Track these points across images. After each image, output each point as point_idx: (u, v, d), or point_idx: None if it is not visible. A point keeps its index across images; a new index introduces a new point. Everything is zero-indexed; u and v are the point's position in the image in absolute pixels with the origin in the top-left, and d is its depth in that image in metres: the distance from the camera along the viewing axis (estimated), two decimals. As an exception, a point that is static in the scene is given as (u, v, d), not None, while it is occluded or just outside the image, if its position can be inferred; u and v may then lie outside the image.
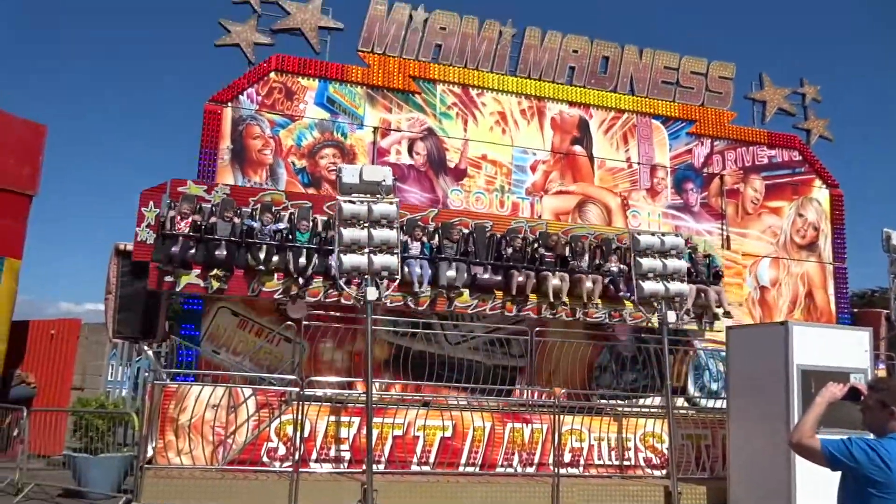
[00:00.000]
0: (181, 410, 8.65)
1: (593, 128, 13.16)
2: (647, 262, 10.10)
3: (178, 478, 8.23)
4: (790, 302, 13.64)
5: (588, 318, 10.93)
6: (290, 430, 8.72)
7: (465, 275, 10.36)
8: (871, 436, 3.24)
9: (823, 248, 14.13)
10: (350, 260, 8.61)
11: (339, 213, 8.77)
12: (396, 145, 12.02)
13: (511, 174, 12.50)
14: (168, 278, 9.44)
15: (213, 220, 9.74)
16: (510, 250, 10.66)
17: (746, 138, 14.06)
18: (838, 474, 3.23)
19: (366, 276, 8.66)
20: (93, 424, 9.47)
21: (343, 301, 9.87)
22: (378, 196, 8.94)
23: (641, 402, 11.08)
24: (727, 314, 11.46)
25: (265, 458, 8.79)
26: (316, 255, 9.86)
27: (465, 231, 10.64)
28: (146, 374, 12.26)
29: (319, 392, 9.47)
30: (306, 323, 10.02)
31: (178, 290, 9.64)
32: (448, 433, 9.39)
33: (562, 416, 9.62)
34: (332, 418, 9.09)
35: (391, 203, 8.95)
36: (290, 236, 9.89)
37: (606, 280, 10.90)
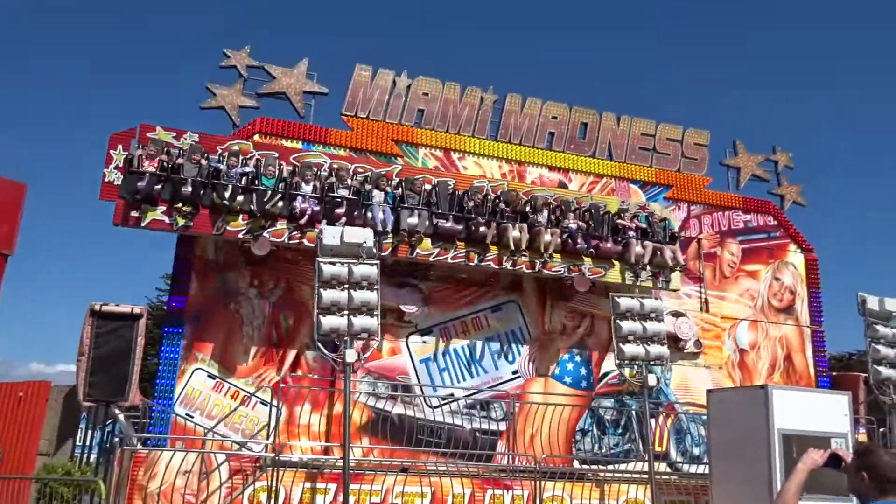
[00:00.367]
0: (151, 477, 8.39)
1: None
2: (626, 325, 10.16)
3: (146, 549, 7.93)
4: (769, 365, 13.68)
5: (546, 271, 11.34)
6: (263, 497, 8.47)
7: (427, 223, 10.73)
8: (856, 502, 3.20)
9: (800, 311, 14.27)
10: (329, 322, 8.58)
11: (319, 274, 8.76)
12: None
13: (492, 236, 12.55)
14: (133, 213, 9.67)
15: (179, 161, 9.97)
16: (471, 204, 11.08)
17: (722, 203, 14.34)
18: None
19: (345, 339, 8.60)
20: (58, 492, 9.16)
21: (307, 243, 10.19)
22: (359, 258, 8.98)
23: (623, 467, 10.93)
24: (682, 268, 12.16)
25: (238, 528, 8.50)
26: (280, 199, 10.11)
27: (429, 187, 11.07)
28: (116, 438, 11.91)
29: (295, 457, 9.25)
30: (283, 386, 9.88)
31: (143, 224, 9.79)
32: (427, 500, 9.17)
33: (543, 483, 9.45)
34: (308, 485, 8.86)
35: (372, 265, 8.98)
36: (256, 181, 10.15)
37: (565, 235, 11.30)
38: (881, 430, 11.55)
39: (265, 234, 10.12)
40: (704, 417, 10.32)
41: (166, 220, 9.85)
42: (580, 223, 11.54)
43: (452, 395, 11.27)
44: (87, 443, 14.66)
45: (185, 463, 8.48)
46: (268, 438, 9.40)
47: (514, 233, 10.98)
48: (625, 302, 10.33)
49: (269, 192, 10.11)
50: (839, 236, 48.72)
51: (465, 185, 11.46)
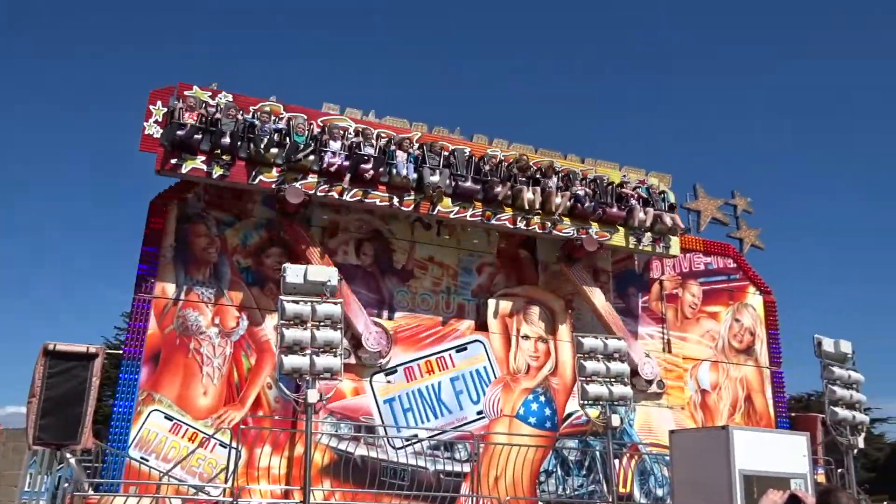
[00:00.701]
0: (103, 523, 8.08)
1: (538, 232, 13.48)
2: (590, 365, 10.20)
3: None
4: (730, 405, 13.82)
5: (557, 232, 12.20)
6: (220, 543, 8.21)
7: (448, 181, 11.41)
8: None
9: (760, 352, 14.50)
10: (291, 361, 8.46)
11: (282, 312, 8.67)
12: (344, 246, 12.07)
13: (457, 276, 12.63)
14: (173, 160, 10.26)
15: (217, 115, 10.62)
16: (487, 168, 11.91)
17: (683, 246, 14.57)
18: None
19: (307, 378, 8.48)
20: (3, 540, 8.73)
21: (335, 196, 10.99)
22: (323, 296, 8.92)
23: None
24: (684, 231, 13.29)
25: (192, 576, 8.20)
26: (311, 152, 10.80)
27: (446, 153, 11.82)
28: (66, 484, 11.47)
29: (254, 501, 9.00)
30: (243, 427, 9.68)
31: (183, 171, 10.38)
32: (389, 545, 8.97)
33: (507, 526, 9.33)
34: (267, 530, 8.61)
35: (336, 304, 8.92)
36: (288, 137, 10.80)
37: (573, 200, 12.16)
38: (839, 470, 11.69)
39: (297, 184, 10.69)
40: (667, 458, 10.34)
41: (205, 168, 10.43)
42: (587, 189, 12.48)
43: (416, 435, 11.14)
44: (37, 488, 14.08)
45: (139, 508, 8.20)
46: (226, 482, 9.15)
47: (529, 194, 11.82)
48: (588, 342, 10.39)
49: (301, 145, 10.76)
50: (797, 279, 49.87)
51: (478, 153, 12.32)
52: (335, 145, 11.02)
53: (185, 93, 10.79)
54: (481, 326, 12.40)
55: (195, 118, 10.46)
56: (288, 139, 10.78)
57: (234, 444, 9.40)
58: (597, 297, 12.81)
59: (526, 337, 12.60)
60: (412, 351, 11.81)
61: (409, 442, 11.05)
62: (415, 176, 11.24)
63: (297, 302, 8.79)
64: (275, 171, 10.73)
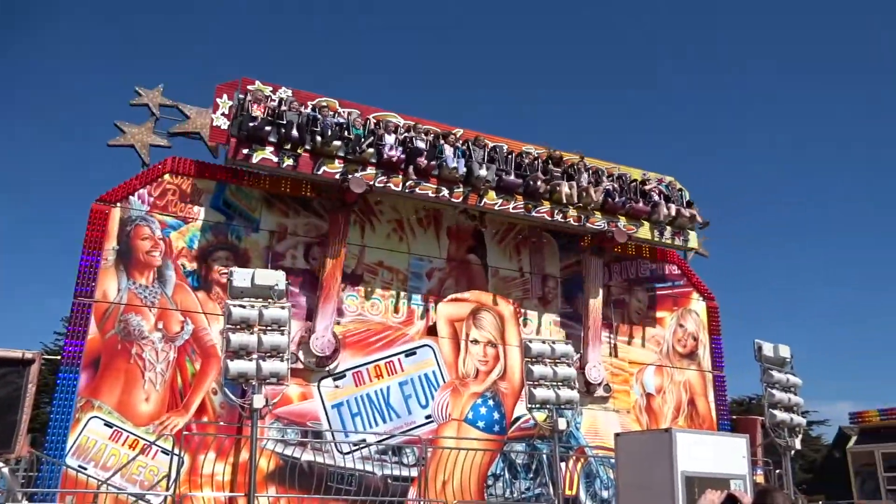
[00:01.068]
0: (36, 534, 7.81)
1: (488, 237, 13.61)
2: (538, 369, 10.32)
3: None
4: (674, 408, 14.13)
5: (590, 225, 13.08)
6: (160, 552, 8.01)
7: (494, 175, 12.22)
8: None
9: (703, 357, 14.87)
10: (237, 366, 8.33)
11: (228, 317, 8.55)
12: (292, 250, 11.96)
13: (407, 281, 12.64)
14: (245, 150, 10.82)
15: (283, 108, 11.26)
16: (526, 162, 12.81)
17: (630, 252, 14.89)
18: None
19: (253, 383, 8.37)
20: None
21: (392, 186, 11.73)
22: (270, 300, 8.82)
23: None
24: (705, 224, 14.22)
25: (131, 587, 7.99)
26: (370, 145, 11.47)
27: (488, 144, 12.69)
28: (-1, 493, 11.06)
29: (197, 509, 8.83)
30: (186, 433, 9.48)
31: (253, 161, 10.94)
32: (335, 551, 8.90)
33: (454, 530, 9.36)
34: (209, 538, 8.45)
35: (283, 308, 8.83)
36: (347, 130, 11.48)
37: (603, 195, 13.03)
38: (777, 471, 12.05)
39: (358, 175, 11.29)
40: (613, 460, 10.52)
41: (274, 158, 11.03)
42: (614, 185, 13.41)
43: (364, 440, 11.09)
44: (-33, 499, 13.52)
45: (75, 518, 7.95)
46: (168, 489, 8.94)
47: (566, 189, 12.68)
48: (536, 346, 10.51)
49: (362, 138, 11.45)
50: (740, 284, 51.32)
51: (514, 148, 13.15)
52: (390, 139, 11.70)
53: (249, 87, 11.37)
54: (431, 331, 12.43)
55: (262, 111, 11.04)
56: (347, 132, 11.46)
57: (176, 451, 9.20)
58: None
59: (475, 342, 12.69)
60: (361, 355, 11.76)
61: (356, 447, 11.00)
62: (464, 170, 11.97)
63: (243, 306, 8.68)
64: (337, 163, 11.35)
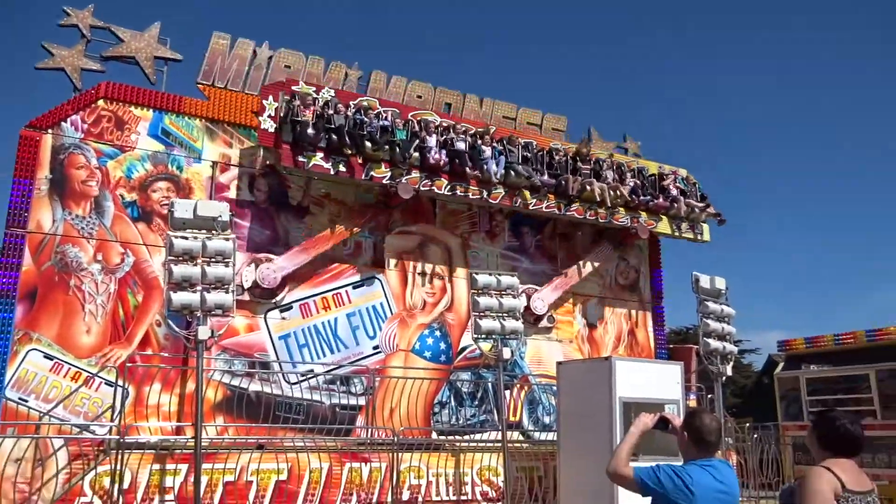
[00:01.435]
0: (-24, 466, 7.72)
1: (436, 171, 13.53)
2: (484, 301, 10.50)
3: (-30, 543, 7.32)
4: (615, 338, 14.62)
5: (615, 222, 13.73)
6: (107, 482, 8.04)
7: (527, 175, 12.57)
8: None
9: (644, 289, 15.33)
10: (180, 298, 8.23)
11: (170, 248, 8.37)
12: (236, 181, 11.69)
13: (354, 213, 12.51)
14: (301, 158, 10.93)
15: (330, 111, 11.27)
16: (557, 157, 13.25)
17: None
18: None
19: (198, 315, 8.30)
20: None
21: (436, 190, 12.10)
22: (213, 232, 8.66)
23: (479, 437, 11.34)
24: (720, 219, 14.80)
25: (77, 515, 8.02)
26: (415, 149, 11.69)
27: (522, 142, 13.07)
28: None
29: (143, 439, 8.84)
30: (130, 365, 9.40)
31: (308, 167, 11.08)
32: (284, 476, 9.08)
33: (400, 454, 9.62)
34: (157, 467, 8.50)
35: (227, 239, 8.69)
36: (392, 133, 11.60)
37: (628, 192, 13.61)
38: (709, 396, 12.68)
39: (404, 180, 11.58)
40: (555, 388, 10.88)
41: (325, 164, 11.13)
42: (636, 181, 13.93)
43: (312, 371, 11.19)
44: None
45: (17, 450, 7.87)
46: (112, 420, 8.90)
47: (597, 189, 13.21)
48: (483, 279, 10.66)
49: (407, 140, 11.68)
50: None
51: (543, 143, 13.61)
52: (431, 141, 11.98)
53: (293, 88, 11.34)
54: (378, 263, 12.45)
55: (311, 115, 11.09)
56: (392, 134, 11.60)
57: (120, 383, 9.12)
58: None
59: (423, 274, 12.78)
60: (308, 287, 11.73)
61: (304, 377, 11.09)
62: (503, 172, 12.37)
63: (186, 237, 8.50)
64: (384, 166, 11.54)
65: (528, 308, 12.97)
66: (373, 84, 13.24)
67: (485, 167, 12.21)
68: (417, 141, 11.83)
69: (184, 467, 8.54)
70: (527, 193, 12.82)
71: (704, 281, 12.09)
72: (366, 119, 11.51)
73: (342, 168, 11.29)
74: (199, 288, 8.30)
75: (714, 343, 11.79)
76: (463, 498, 10.15)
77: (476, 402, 12.23)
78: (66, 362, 9.81)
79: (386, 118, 11.83)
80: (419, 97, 13.64)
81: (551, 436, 11.18)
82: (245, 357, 10.89)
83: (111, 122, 10.97)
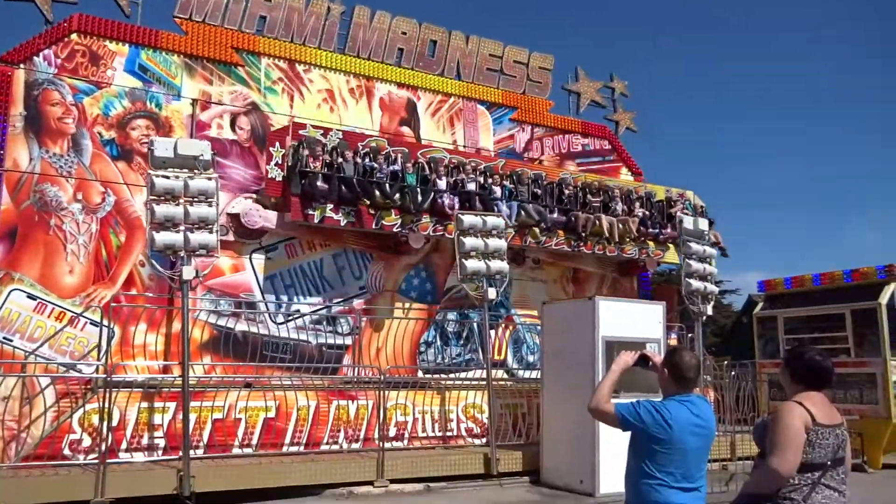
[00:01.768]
0: (-36, 405, 7.76)
1: (421, 110, 13.36)
2: (469, 241, 10.49)
3: (-39, 479, 7.40)
4: (599, 279, 14.73)
5: (623, 254, 13.46)
6: (95, 419, 8.11)
7: (538, 216, 12.44)
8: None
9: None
10: (163, 238, 8.14)
11: (151, 188, 8.24)
12: (218, 119, 11.46)
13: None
14: (310, 211, 10.60)
15: (339, 160, 10.95)
16: (567, 192, 12.98)
17: (563, 126, 14.95)
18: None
19: (182, 255, 8.23)
20: None
21: (447, 235, 11.58)
22: (195, 171, 8.51)
23: (464, 375, 11.52)
24: (723, 250, 14.16)
25: (67, 451, 8.13)
26: (422, 194, 11.41)
27: (530, 177, 12.77)
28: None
29: (130, 377, 8.90)
30: (115, 305, 9.39)
31: (317, 221, 10.75)
32: (272, 413, 9.21)
33: (387, 392, 9.77)
34: (145, 405, 8.59)
35: (209, 178, 8.56)
36: (402, 178, 11.29)
37: (637, 223, 13.37)
38: (689, 335, 12.90)
39: (415, 228, 11.40)
40: (539, 328, 11.02)
41: (334, 216, 10.83)
42: (645, 211, 13.66)
43: (298, 311, 11.23)
44: None
45: (4, 388, 7.90)
46: (99, 359, 8.93)
47: (605, 224, 12.99)
48: (468, 219, 10.63)
49: (420, 190, 11.40)
50: (668, 160, 52.62)
51: (552, 174, 13.26)
52: (442, 184, 11.70)
53: (300, 132, 11.00)
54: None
55: (320, 165, 10.76)
56: (402, 180, 11.31)
57: (105, 323, 9.11)
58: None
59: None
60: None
61: (291, 317, 11.14)
62: (516, 212, 12.15)
63: (167, 177, 8.36)
64: (394, 214, 11.27)
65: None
66: (356, 19, 12.91)
67: (496, 209, 11.76)
68: (433, 194, 11.53)
69: (172, 405, 8.64)
70: (536, 231, 12.58)
71: (688, 222, 12.14)
72: (375, 165, 11.22)
73: (352, 219, 11.05)
74: (182, 228, 8.21)
75: (696, 283, 11.89)
76: (449, 434, 10.38)
77: (461, 342, 12.37)
78: (49, 302, 9.76)
79: (395, 161, 11.50)
80: (403, 34, 13.33)
81: (535, 374, 11.37)
82: (231, 297, 10.89)
83: (86, 56, 10.64)
